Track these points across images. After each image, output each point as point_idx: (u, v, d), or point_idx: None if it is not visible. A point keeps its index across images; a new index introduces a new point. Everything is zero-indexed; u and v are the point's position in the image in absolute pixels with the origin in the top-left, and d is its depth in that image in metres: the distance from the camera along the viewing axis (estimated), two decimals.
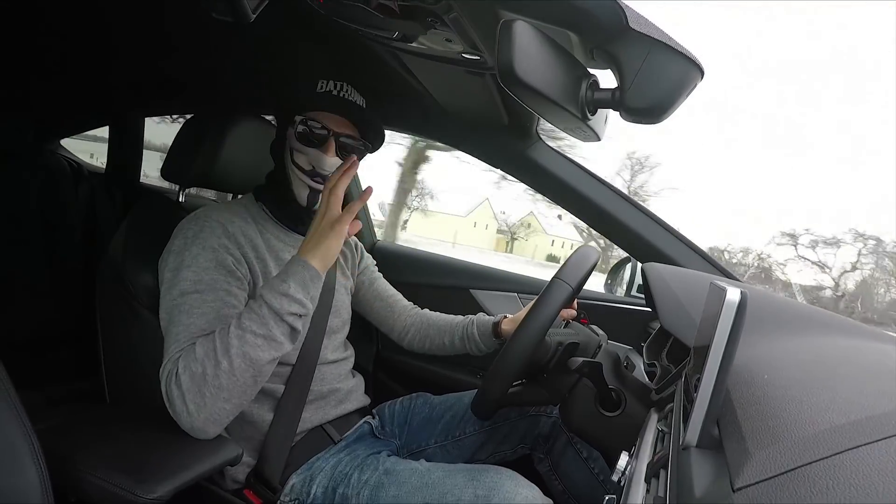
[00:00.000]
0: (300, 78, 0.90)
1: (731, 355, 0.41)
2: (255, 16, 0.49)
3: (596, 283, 1.24)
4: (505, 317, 1.04)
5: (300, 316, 0.74)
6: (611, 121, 0.66)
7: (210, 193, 1.85)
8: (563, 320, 1.00)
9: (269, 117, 1.08)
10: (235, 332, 0.71)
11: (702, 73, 0.52)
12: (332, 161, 0.87)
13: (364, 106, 0.91)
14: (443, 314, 1.13)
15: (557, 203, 1.18)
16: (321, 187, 0.88)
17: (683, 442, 0.44)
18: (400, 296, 1.16)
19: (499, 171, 1.22)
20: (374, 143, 0.95)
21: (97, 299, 0.93)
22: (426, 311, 1.15)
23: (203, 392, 0.69)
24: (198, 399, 0.69)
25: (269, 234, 0.90)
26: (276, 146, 0.92)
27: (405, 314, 1.13)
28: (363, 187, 1.58)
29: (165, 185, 1.51)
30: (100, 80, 1.45)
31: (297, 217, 0.94)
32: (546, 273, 1.19)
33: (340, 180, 0.79)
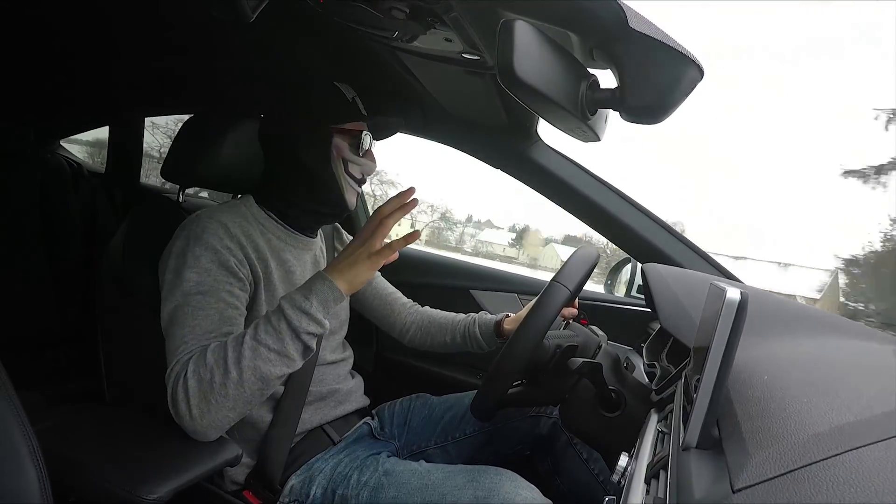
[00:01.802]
0: (299, 77, 0.90)
1: (731, 356, 0.41)
2: (254, 15, 0.49)
3: (596, 284, 1.24)
4: (507, 315, 1.04)
5: (316, 335, 0.73)
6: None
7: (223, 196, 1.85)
8: (564, 320, 1.00)
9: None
10: (250, 343, 0.70)
11: (702, 72, 0.52)
12: (375, 167, 0.93)
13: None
14: (444, 312, 1.13)
15: (557, 203, 1.18)
16: (361, 189, 0.93)
17: (683, 443, 0.43)
18: (399, 293, 1.16)
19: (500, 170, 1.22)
20: (380, 139, 0.99)
21: (97, 299, 0.93)
22: (427, 308, 1.14)
23: (209, 399, 0.69)
24: (202, 405, 0.69)
25: (270, 234, 0.90)
26: (314, 155, 0.86)
27: (405, 311, 1.13)
28: None
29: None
30: (100, 80, 1.45)
31: (312, 221, 0.94)
32: None
33: (396, 213, 0.74)
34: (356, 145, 0.89)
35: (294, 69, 1.12)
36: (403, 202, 0.74)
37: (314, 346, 0.74)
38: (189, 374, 0.70)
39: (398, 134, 1.05)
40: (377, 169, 0.95)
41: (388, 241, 0.75)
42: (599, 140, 0.64)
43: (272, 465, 0.86)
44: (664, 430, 0.59)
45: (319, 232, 1.02)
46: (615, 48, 0.52)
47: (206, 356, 0.70)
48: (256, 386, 0.70)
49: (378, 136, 0.96)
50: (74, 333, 1.53)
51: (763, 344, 0.60)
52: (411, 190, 0.75)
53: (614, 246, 1.21)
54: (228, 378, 0.68)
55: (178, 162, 0.99)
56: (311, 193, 0.89)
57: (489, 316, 1.06)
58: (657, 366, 0.87)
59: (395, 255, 0.76)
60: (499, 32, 0.46)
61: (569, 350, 0.84)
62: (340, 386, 0.99)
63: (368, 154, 0.91)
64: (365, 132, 0.89)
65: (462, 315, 1.10)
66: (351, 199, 0.91)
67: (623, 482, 0.55)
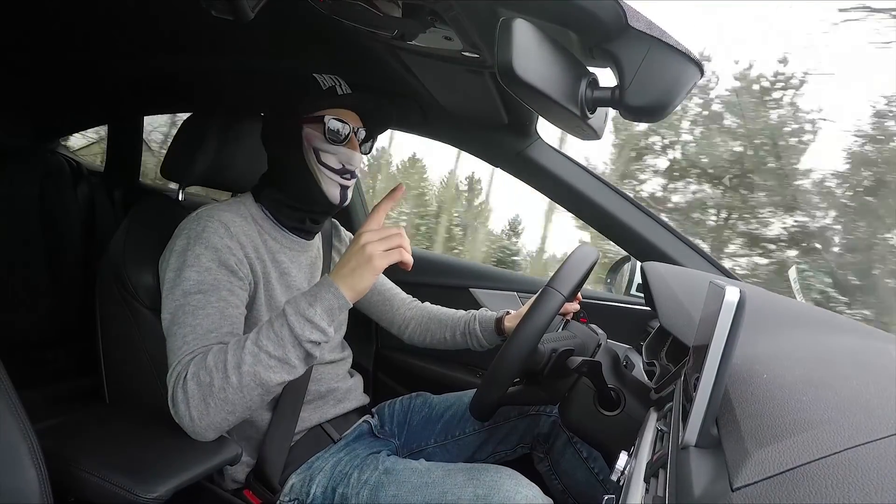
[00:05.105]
0: (299, 76, 0.90)
1: (729, 354, 0.41)
2: (254, 14, 0.49)
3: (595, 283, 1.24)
4: (508, 312, 1.04)
5: (319, 343, 0.72)
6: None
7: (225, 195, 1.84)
8: (563, 316, 1.00)
9: None
10: (251, 348, 0.69)
11: (701, 71, 0.52)
12: (359, 157, 0.89)
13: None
14: (444, 308, 1.12)
15: (557, 202, 1.18)
16: (350, 184, 0.89)
17: (682, 441, 0.44)
18: (398, 289, 1.15)
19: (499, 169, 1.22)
20: (378, 131, 0.96)
21: (97, 298, 0.93)
22: (427, 304, 1.14)
23: (207, 402, 0.69)
24: (201, 407, 0.69)
25: (266, 234, 0.90)
26: (288, 148, 0.87)
27: (404, 307, 1.13)
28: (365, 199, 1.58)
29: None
30: (99, 79, 1.45)
31: (301, 220, 0.92)
32: None
33: (385, 203, 0.75)
34: (334, 132, 0.85)
35: (293, 68, 1.12)
36: (392, 198, 0.76)
37: (317, 354, 0.72)
38: (189, 377, 0.69)
39: None
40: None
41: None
42: (599, 138, 0.63)
43: (272, 464, 0.86)
44: (663, 428, 0.59)
45: (318, 234, 1.02)
46: (615, 46, 0.52)
47: (207, 359, 0.70)
48: (256, 392, 0.70)
49: (371, 126, 0.93)
50: (74, 333, 1.53)
51: (762, 342, 0.60)
52: (401, 187, 0.77)
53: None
54: (228, 383, 0.68)
55: (178, 160, 0.99)
56: (291, 187, 0.89)
57: (490, 313, 1.06)
58: (656, 364, 0.87)
59: (408, 258, 0.73)
60: (498, 30, 0.46)
61: (564, 354, 0.83)
62: (339, 384, 0.99)
63: (351, 143, 0.88)
64: (328, 116, 0.85)
65: (462, 312, 1.10)
66: (331, 192, 0.87)
67: (622, 481, 0.55)
